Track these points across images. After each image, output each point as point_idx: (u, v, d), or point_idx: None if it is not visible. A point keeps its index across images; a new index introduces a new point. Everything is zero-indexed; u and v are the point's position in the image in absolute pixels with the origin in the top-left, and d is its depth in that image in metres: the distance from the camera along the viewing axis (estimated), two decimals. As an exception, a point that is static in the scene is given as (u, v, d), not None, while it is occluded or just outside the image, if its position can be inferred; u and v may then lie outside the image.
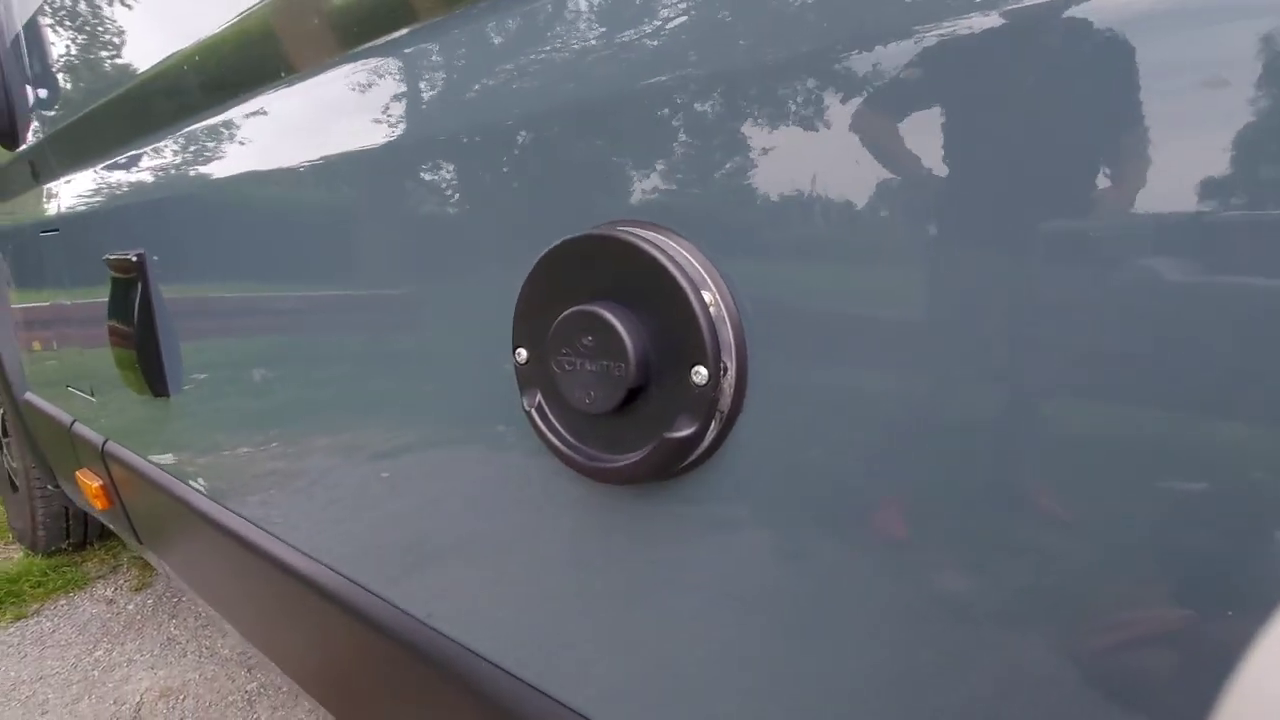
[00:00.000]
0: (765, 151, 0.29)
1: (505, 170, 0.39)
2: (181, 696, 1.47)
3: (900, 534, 0.28)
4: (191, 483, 0.86)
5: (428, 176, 0.44)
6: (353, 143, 0.51)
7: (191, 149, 0.75)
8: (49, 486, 1.79)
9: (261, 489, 0.74)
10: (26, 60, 1.11)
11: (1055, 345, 0.24)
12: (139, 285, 0.83)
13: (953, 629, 0.27)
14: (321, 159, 0.56)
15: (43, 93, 1.09)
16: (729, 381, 0.30)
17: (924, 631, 0.28)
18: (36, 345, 1.45)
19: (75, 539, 2.03)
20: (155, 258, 0.82)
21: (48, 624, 1.76)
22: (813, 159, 0.28)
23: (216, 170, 0.72)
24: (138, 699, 1.47)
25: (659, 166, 0.33)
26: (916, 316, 0.27)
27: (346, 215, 0.54)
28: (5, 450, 2.06)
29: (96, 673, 1.56)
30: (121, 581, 1.95)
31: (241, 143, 0.68)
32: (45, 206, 1.15)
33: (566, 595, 0.41)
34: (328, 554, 0.63)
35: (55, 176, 1.10)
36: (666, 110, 0.32)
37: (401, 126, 0.48)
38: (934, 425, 0.27)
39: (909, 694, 0.29)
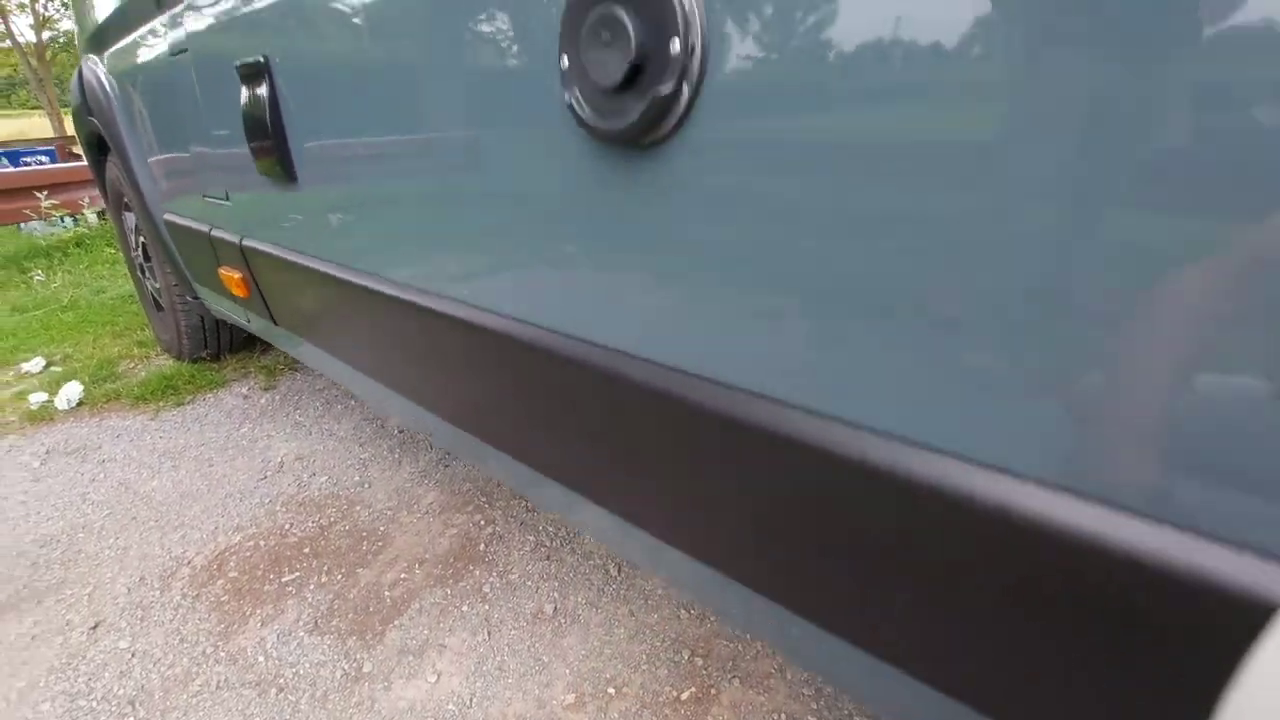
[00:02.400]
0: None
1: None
2: (312, 459, 1.86)
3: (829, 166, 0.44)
4: (317, 252, 1.09)
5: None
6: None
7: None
8: (188, 297, 2.14)
9: (374, 245, 0.96)
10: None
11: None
12: (265, 85, 1.02)
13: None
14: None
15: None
16: (697, 53, 0.45)
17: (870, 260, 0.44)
18: (169, 167, 1.70)
19: (212, 349, 2.43)
20: (278, 60, 1.00)
21: (201, 409, 2.18)
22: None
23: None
24: (279, 459, 1.86)
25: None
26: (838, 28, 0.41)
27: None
28: (148, 274, 2.43)
29: (245, 442, 1.97)
30: (252, 383, 2.35)
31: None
32: (173, 31, 1.33)
33: (598, 246, 0.60)
34: (427, 280, 0.85)
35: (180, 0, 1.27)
36: None
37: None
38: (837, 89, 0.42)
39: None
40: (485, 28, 0.63)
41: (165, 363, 2.54)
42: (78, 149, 4.49)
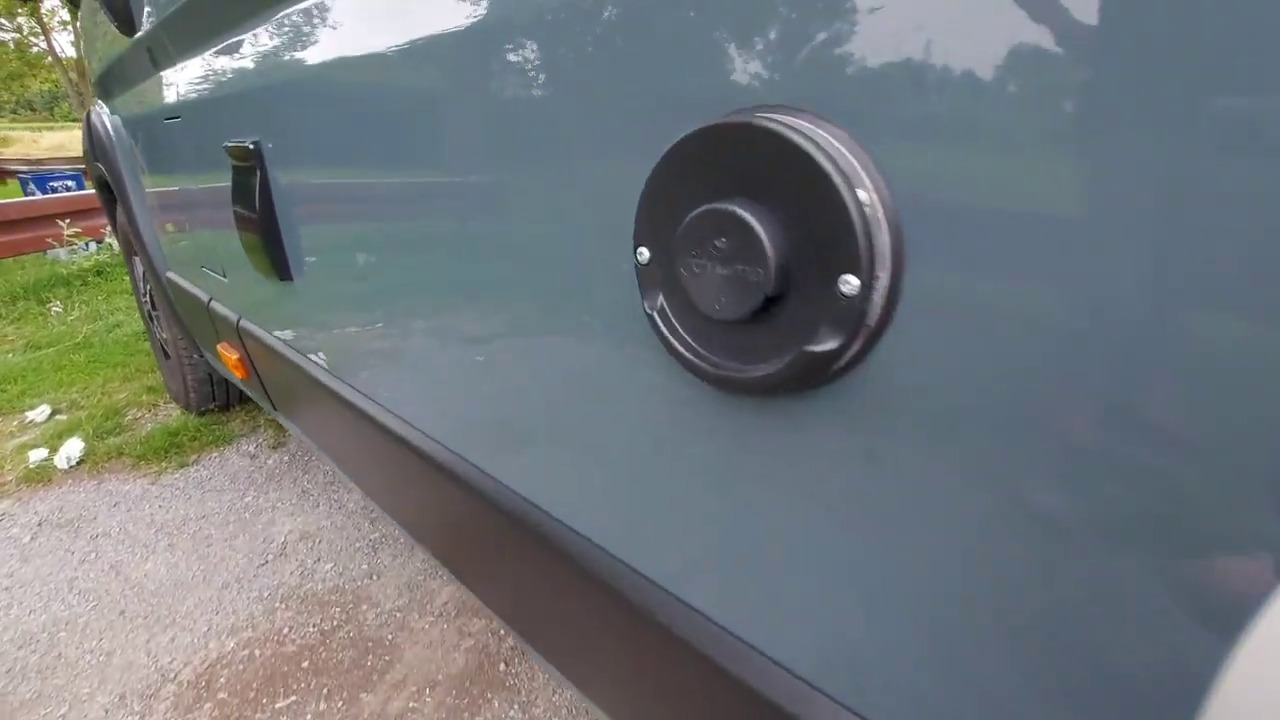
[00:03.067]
0: (941, 16, 0.24)
1: (628, 48, 0.36)
2: (317, 540, 1.70)
3: (1058, 477, 0.26)
4: (314, 359, 0.93)
5: (545, 59, 0.41)
6: (465, 25, 0.48)
7: (296, 33, 0.74)
8: (194, 355, 2.00)
9: (379, 369, 0.79)
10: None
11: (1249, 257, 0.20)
12: (257, 173, 0.85)
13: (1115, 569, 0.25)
14: (432, 43, 0.53)
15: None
16: (880, 293, 0.27)
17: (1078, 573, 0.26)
18: (169, 228, 1.56)
19: (220, 401, 2.30)
20: (270, 145, 0.84)
21: (205, 472, 2.04)
22: (1000, 22, 0.23)
23: (323, 56, 0.70)
24: (282, 539, 1.71)
25: (805, 39, 0.28)
26: (1114, 232, 0.23)
27: (459, 102, 0.52)
28: (156, 322, 2.31)
29: (248, 515, 1.81)
30: (261, 440, 2.21)
31: (344, 26, 0.66)
32: (166, 94, 1.19)
33: (677, 491, 0.42)
34: (431, 426, 0.68)
35: (172, 63, 1.13)
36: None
37: (515, 7, 0.44)
38: (1116, 362, 0.23)
39: (1054, 629, 0.28)
40: (530, 174, 0.45)
41: (173, 413, 2.41)
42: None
